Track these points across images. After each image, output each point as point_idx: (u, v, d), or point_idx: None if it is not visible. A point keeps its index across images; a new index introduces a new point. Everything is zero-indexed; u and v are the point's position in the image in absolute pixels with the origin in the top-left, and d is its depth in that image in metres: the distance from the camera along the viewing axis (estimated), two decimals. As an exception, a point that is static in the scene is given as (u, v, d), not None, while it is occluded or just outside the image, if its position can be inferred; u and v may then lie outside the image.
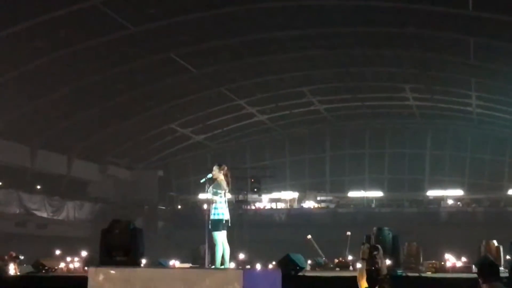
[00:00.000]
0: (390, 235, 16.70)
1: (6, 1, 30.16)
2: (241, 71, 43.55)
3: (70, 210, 50.56)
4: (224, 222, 14.25)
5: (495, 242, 23.00)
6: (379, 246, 12.82)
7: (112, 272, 9.92)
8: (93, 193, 53.79)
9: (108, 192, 54.63)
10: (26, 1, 30.64)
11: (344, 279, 15.31)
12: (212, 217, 14.34)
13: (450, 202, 56.08)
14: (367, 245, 12.90)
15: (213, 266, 13.84)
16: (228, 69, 43.07)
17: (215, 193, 14.35)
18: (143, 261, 18.65)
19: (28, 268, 22.39)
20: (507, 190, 54.87)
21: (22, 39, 33.75)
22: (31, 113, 41.53)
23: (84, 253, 27.25)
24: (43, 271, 21.13)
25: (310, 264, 26.54)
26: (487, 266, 10.15)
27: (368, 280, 12.25)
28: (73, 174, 50.96)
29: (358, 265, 13.43)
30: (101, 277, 9.69)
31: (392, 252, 15.96)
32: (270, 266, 26.35)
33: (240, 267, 22.58)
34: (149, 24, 34.89)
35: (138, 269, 11.14)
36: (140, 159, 56.85)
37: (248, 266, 29.01)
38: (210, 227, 14.27)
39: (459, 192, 56.17)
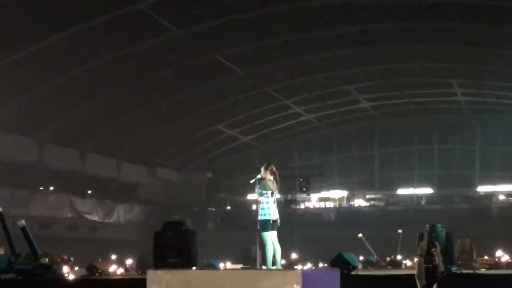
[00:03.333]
0: (444, 232, 16.48)
1: (52, 7, 30.61)
2: (286, 70, 43.56)
3: (121, 213, 51.08)
4: (271, 222, 14.16)
5: (550, 237, 22.63)
6: (437, 243, 12.72)
7: (171, 275, 9.92)
8: (142, 195, 54.23)
9: (158, 194, 55.07)
10: (71, 7, 31.09)
11: (398, 277, 15.19)
12: (259, 217, 14.28)
13: (501, 197, 55.49)
14: (425, 242, 12.80)
15: (264, 267, 13.79)
16: (274, 69, 43.14)
17: (260, 194, 14.28)
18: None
19: (82, 271, 22.61)
20: (563, 184, 54.28)
21: (69, 45, 34.18)
22: (79, 118, 42.06)
23: (134, 256, 27.47)
24: (97, 274, 21.33)
25: (361, 262, 26.41)
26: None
27: (426, 277, 12.18)
28: (123, 177, 51.54)
29: (414, 262, 13.36)
30: (160, 280, 9.70)
31: (446, 249, 15.75)
32: (321, 264, 26.29)
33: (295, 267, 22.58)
34: (194, 26, 35.11)
35: (197, 271, 11.13)
36: (188, 160, 57.18)
37: (300, 266, 29.00)
38: (258, 227, 14.24)
39: (510, 187, 55.57)
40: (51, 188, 45.70)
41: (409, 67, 44.82)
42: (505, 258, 26.30)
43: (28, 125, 40.77)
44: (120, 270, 24.99)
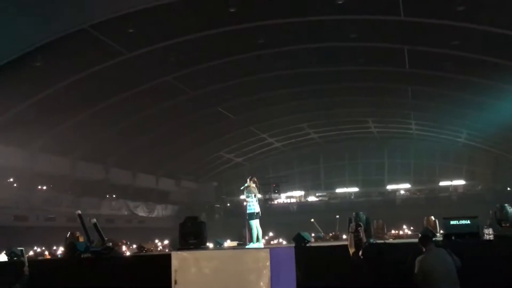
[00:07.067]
0: (364, 217, 16.50)
1: (105, 81, 30.28)
2: (264, 115, 43.29)
3: (159, 210, 51.00)
4: (255, 213, 13.94)
5: (432, 217, 22.62)
6: (361, 224, 12.74)
7: (186, 253, 9.83)
8: (173, 198, 54.05)
9: (183, 197, 54.90)
10: (119, 82, 30.90)
11: (337, 246, 15.12)
12: (248, 211, 14.06)
13: (402, 192, 55.75)
14: (353, 223, 12.80)
15: (251, 243, 13.61)
16: (256, 115, 42.83)
17: (247, 196, 14.12)
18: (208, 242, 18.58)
19: (134, 250, 22.41)
20: (438, 183, 54.68)
21: (117, 107, 34.01)
22: (133, 151, 42.12)
23: (168, 239, 27.25)
24: (144, 251, 21.15)
25: (313, 238, 26.24)
26: (425, 235, 10.06)
27: (355, 246, 12.18)
28: (160, 187, 51.38)
29: (347, 237, 13.29)
30: (179, 258, 9.61)
31: (366, 227, 15.73)
32: (286, 240, 26.02)
33: (268, 246, 22.37)
34: (203, 89, 35.04)
35: (203, 252, 11.04)
36: (202, 175, 56.99)
37: (275, 241, 28.81)
38: (247, 217, 14.10)
39: (407, 185, 55.85)
40: (114, 196, 45.60)
41: (341, 111, 44.65)
42: (405, 231, 26.33)
43: (99, 155, 40.77)
44: (159, 248, 24.74)
